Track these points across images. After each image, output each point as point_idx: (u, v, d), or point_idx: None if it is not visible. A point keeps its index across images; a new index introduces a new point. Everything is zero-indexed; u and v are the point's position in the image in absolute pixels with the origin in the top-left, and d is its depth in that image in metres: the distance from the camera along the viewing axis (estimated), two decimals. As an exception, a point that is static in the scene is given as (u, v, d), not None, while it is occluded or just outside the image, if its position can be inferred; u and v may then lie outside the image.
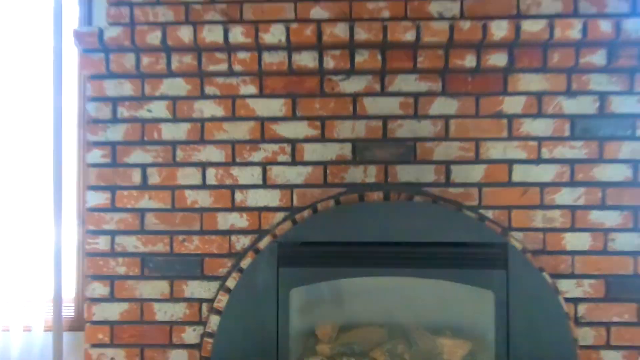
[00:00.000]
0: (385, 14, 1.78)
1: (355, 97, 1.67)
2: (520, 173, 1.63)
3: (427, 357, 1.66)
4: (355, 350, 1.68)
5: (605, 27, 1.55)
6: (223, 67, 1.66)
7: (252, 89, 1.68)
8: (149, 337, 1.68)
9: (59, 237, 1.86)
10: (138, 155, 1.69)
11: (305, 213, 1.65)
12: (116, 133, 1.70)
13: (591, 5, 1.74)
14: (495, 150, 1.64)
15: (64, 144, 1.84)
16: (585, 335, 1.60)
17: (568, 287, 1.61)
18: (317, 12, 1.79)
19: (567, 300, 1.60)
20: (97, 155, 1.70)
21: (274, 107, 1.68)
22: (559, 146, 1.63)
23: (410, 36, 1.58)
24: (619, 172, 1.62)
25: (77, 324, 1.95)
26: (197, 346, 1.67)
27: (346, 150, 1.66)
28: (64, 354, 1.90)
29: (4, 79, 1.98)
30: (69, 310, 1.95)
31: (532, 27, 1.56)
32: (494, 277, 1.57)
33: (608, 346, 1.60)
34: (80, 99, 1.98)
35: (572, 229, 1.62)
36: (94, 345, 1.69)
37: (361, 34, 1.59)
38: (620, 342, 1.60)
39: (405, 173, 1.66)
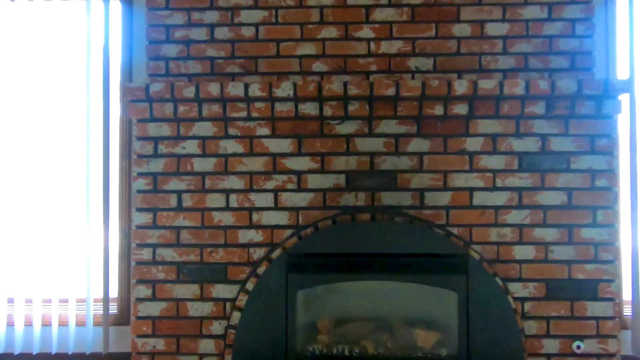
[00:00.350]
0: (373, 67, 2.22)
1: (348, 137, 2.09)
2: (479, 198, 2.06)
3: (405, 345, 2.08)
4: (348, 340, 2.10)
5: (543, 85, 1.97)
6: (243, 114, 2.08)
7: (266, 130, 2.10)
8: (184, 329, 2.09)
9: (106, 249, 2.29)
10: (174, 184, 2.11)
11: (309, 230, 2.07)
12: (157, 166, 2.12)
13: (538, 62, 2.18)
14: (459, 180, 2.06)
15: (111, 173, 2.28)
16: (530, 327, 2.02)
17: (516, 289, 2.03)
18: (319, 66, 2.23)
19: (515, 299, 2.03)
20: (141, 183, 2.12)
21: (284, 145, 2.10)
22: (509, 177, 2.05)
23: (391, 91, 2.00)
24: (556, 198, 2.04)
25: (120, 320, 2.36)
26: (222, 336, 2.08)
27: (341, 180, 2.09)
28: (110, 344, 2.32)
29: (61, 121, 2.40)
30: (113, 309, 2.36)
31: (486, 85, 1.98)
32: (457, 281, 2.00)
33: (548, 335, 2.02)
34: (122, 135, 2.39)
35: (520, 242, 2.04)
36: (139, 336, 2.10)
37: (353, 90, 2.01)
38: (557, 332, 2.02)
39: (388, 198, 2.08)
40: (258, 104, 2.07)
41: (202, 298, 2.10)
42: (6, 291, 2.33)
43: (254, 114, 2.08)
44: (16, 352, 2.29)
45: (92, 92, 2.38)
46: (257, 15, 2.24)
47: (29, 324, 2.31)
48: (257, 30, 2.24)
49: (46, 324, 2.31)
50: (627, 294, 2.32)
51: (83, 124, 2.37)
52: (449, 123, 2.07)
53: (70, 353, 2.30)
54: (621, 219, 2.32)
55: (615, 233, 2.05)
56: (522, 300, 2.03)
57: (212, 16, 2.25)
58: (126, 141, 2.39)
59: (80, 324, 2.32)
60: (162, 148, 2.12)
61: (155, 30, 2.26)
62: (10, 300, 2.33)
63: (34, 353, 2.29)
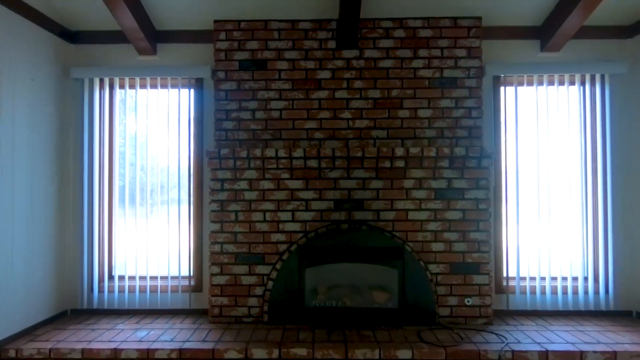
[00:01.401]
0: (350, 136, 3.68)
1: (335, 179, 3.56)
2: (411, 215, 3.52)
3: (368, 301, 3.55)
4: (335, 297, 3.57)
5: (446, 151, 3.44)
6: (274, 165, 3.56)
7: (287, 175, 3.57)
8: (239, 292, 3.57)
9: (189, 245, 3.78)
10: (233, 206, 3.59)
11: (312, 234, 3.55)
12: (223, 196, 3.59)
13: (449, 133, 3.64)
14: (400, 205, 3.53)
15: (190, 201, 3.76)
16: (440, 290, 3.48)
17: (432, 268, 3.50)
18: (318, 135, 3.70)
19: (432, 274, 3.49)
20: (214, 206, 3.59)
21: (298, 184, 3.57)
22: (429, 203, 3.52)
23: (359, 154, 3.47)
24: (456, 215, 3.50)
25: (196, 288, 3.83)
26: (262, 296, 3.55)
27: (331, 204, 3.56)
28: (192, 302, 3.80)
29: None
30: (191, 281, 3.84)
31: (414, 150, 3.45)
32: (398, 263, 3.47)
33: (451, 295, 3.48)
34: (195, 176, 3.86)
35: (435, 241, 3.50)
36: (213, 296, 3.58)
37: (337, 153, 3.48)
38: (456, 293, 3.48)
39: (359, 215, 3.55)
40: (283, 160, 3.55)
41: (250, 273, 3.57)
42: (128, 271, 3.81)
43: (280, 166, 3.56)
44: (136, 308, 3.78)
45: (181, 149, 3.85)
46: (281, 104, 3.72)
47: (144, 291, 3.79)
48: (281, 113, 3.72)
49: (153, 292, 3.79)
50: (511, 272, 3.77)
51: (177, 170, 3.85)
52: (393, 171, 3.53)
53: (168, 308, 3.78)
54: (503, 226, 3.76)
55: (489, 235, 3.51)
56: (436, 274, 3.50)
57: (253, 104, 3.73)
58: (199, 179, 3.86)
59: (173, 291, 3.80)
60: (226, 185, 3.60)
61: (219, 112, 3.74)
62: (133, 277, 3.81)
63: (147, 308, 3.78)
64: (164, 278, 3.82)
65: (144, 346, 3.05)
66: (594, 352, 2.91)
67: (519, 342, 3.07)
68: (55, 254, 3.68)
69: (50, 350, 3.03)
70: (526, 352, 2.93)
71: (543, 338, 3.14)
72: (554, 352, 2.92)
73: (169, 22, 3.78)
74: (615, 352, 2.91)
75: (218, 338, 3.19)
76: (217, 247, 3.58)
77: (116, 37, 3.81)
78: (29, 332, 3.34)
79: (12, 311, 3.21)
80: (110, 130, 3.90)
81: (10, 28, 3.25)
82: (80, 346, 3.06)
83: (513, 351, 2.93)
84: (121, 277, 3.83)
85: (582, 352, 2.91)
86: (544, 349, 2.94)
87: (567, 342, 3.05)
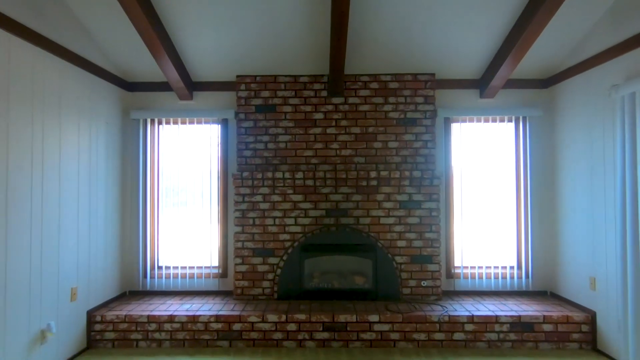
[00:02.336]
0: (338, 161, 4.97)
1: (326, 194, 4.84)
2: (382, 220, 4.80)
3: (351, 283, 4.83)
4: (327, 281, 4.85)
5: (407, 174, 4.72)
6: (281, 184, 4.84)
7: (291, 191, 4.86)
8: (255, 277, 4.84)
9: (218, 243, 5.07)
10: (251, 214, 4.87)
11: (310, 234, 4.83)
12: (243, 206, 4.88)
13: (411, 159, 4.93)
14: (374, 213, 4.80)
15: (219, 210, 5.06)
16: (403, 275, 4.76)
17: (398, 259, 4.77)
18: (314, 160, 4.99)
19: (397, 263, 4.77)
20: (237, 214, 4.88)
21: (299, 197, 4.85)
22: (395, 211, 4.79)
23: (344, 175, 4.75)
24: (415, 220, 4.78)
25: (223, 274, 5.11)
26: (272, 280, 4.83)
27: (323, 213, 4.84)
28: (220, 285, 5.08)
29: (200, 185, 5.16)
30: (219, 270, 5.11)
31: (383, 173, 4.73)
32: (372, 255, 4.74)
33: (411, 279, 4.76)
34: (220, 191, 5.15)
35: (399, 239, 4.78)
36: (236, 280, 4.86)
37: (327, 175, 4.76)
38: (415, 277, 4.75)
39: (344, 220, 4.82)
40: (287, 180, 4.84)
41: (263, 263, 4.85)
42: (172, 262, 5.09)
43: (286, 184, 4.84)
44: (178, 289, 5.06)
45: (212, 171, 5.14)
46: (286, 137, 5.00)
47: (183, 277, 5.08)
48: (286, 144, 5.00)
49: (191, 278, 5.08)
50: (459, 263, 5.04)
51: (208, 186, 5.14)
52: (369, 188, 4.81)
53: (202, 290, 5.06)
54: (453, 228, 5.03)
55: (440, 235, 4.78)
56: (400, 264, 4.77)
57: (266, 138, 5.01)
58: (224, 194, 5.14)
59: (206, 277, 5.09)
60: (246, 198, 4.88)
61: (240, 144, 5.03)
62: (175, 267, 5.09)
63: (186, 290, 5.06)
64: (199, 267, 5.10)
65: (190, 313, 4.34)
66: (505, 315, 4.18)
67: (456, 310, 4.34)
68: (119, 249, 4.98)
69: (125, 315, 4.32)
70: (458, 316, 4.19)
71: (473, 308, 4.41)
72: (477, 315, 4.19)
73: (203, 75, 5.07)
74: (519, 316, 4.17)
75: (242, 308, 4.47)
76: (239, 244, 4.86)
77: (162, 86, 5.11)
78: (105, 305, 4.63)
79: (95, 289, 4.50)
80: (159, 156, 5.19)
81: (92, 87, 4.54)
82: (145, 313, 4.35)
83: (449, 315, 4.20)
84: (167, 267, 5.12)
85: (497, 316, 4.18)
86: (470, 314, 4.20)
87: (489, 310, 4.32)
